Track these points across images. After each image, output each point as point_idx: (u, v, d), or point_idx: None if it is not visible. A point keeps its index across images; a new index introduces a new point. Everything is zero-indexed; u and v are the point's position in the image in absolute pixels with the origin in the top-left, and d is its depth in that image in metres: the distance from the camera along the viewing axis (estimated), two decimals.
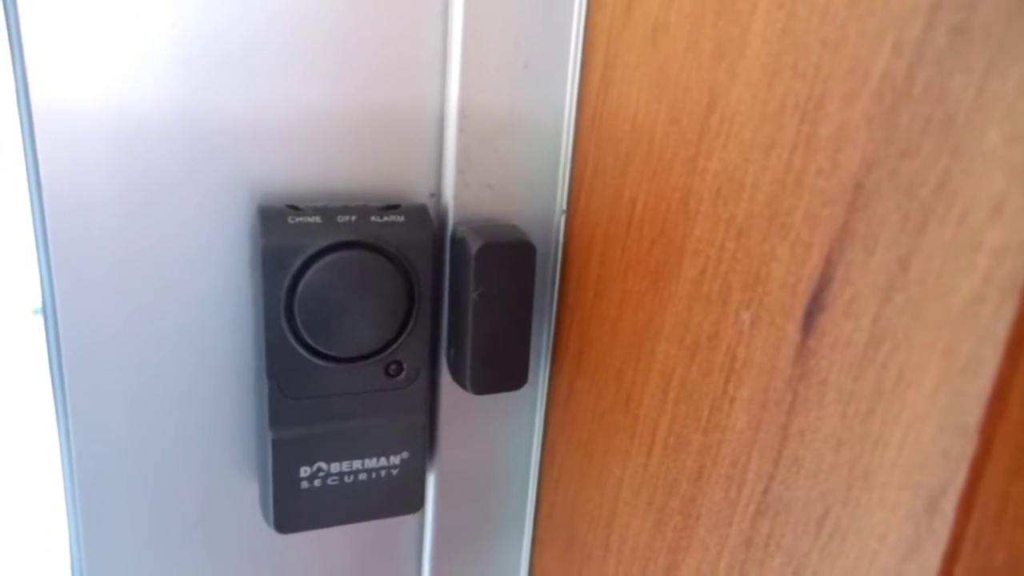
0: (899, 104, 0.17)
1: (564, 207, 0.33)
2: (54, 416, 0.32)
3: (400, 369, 0.33)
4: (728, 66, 0.22)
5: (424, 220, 0.32)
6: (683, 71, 0.25)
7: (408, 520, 0.38)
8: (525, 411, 0.37)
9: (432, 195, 0.34)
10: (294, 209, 0.30)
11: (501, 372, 0.33)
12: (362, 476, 0.33)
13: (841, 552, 0.20)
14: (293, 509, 0.32)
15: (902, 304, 0.17)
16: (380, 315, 0.31)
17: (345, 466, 0.33)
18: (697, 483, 0.25)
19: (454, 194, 0.33)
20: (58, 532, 0.33)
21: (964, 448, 0.16)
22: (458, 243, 0.32)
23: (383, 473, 0.33)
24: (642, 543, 0.28)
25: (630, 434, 0.29)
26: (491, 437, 0.37)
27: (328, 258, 0.30)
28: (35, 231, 0.30)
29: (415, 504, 0.35)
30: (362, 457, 0.33)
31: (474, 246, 0.31)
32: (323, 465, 0.32)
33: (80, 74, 0.27)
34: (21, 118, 0.29)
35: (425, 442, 0.35)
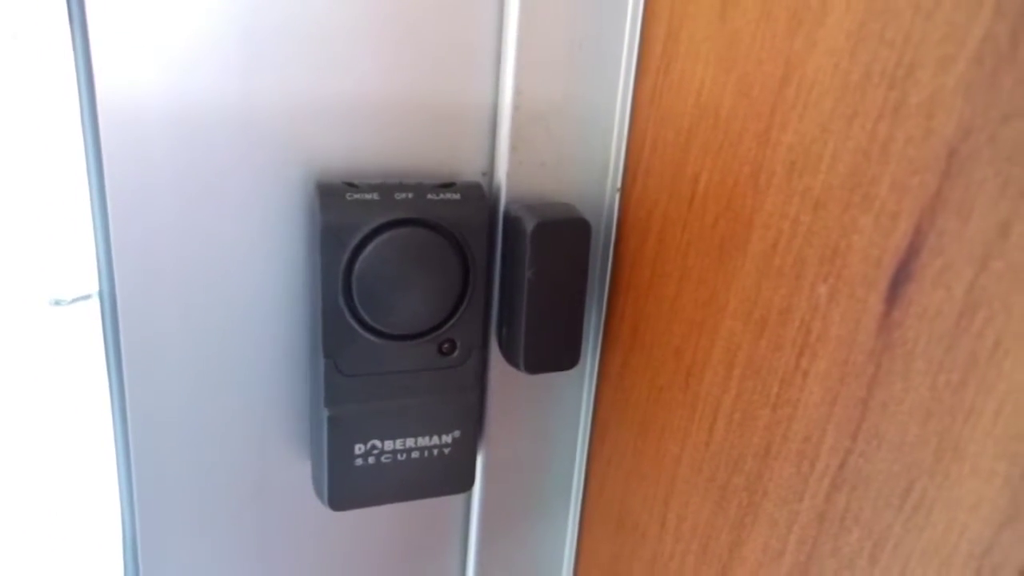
0: (1001, 68, 0.17)
1: (619, 185, 0.33)
2: (108, 396, 0.32)
3: (453, 347, 0.33)
4: (806, 35, 0.22)
5: (479, 198, 0.31)
6: (755, 42, 0.24)
7: (455, 499, 0.38)
8: (574, 390, 0.37)
9: (484, 174, 0.33)
10: (351, 186, 0.30)
11: (554, 351, 0.33)
12: (415, 454, 0.33)
13: (927, 524, 0.19)
14: (347, 486, 0.32)
15: (1001, 271, 0.17)
16: (435, 292, 0.31)
17: (399, 444, 0.33)
18: (765, 459, 0.25)
19: (507, 172, 0.32)
20: (110, 511, 0.34)
21: None
22: (512, 221, 0.32)
23: (435, 452, 0.33)
24: (703, 521, 0.28)
25: (690, 411, 0.29)
26: (540, 417, 0.37)
27: (386, 235, 0.30)
28: (93, 211, 0.30)
29: (466, 483, 0.35)
30: (415, 435, 0.33)
31: (530, 224, 0.31)
32: (377, 443, 0.32)
33: (140, 51, 0.27)
34: (82, 102, 0.29)
35: (477, 421, 0.35)
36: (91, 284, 0.31)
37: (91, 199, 0.30)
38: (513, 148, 0.32)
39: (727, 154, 0.26)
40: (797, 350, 0.23)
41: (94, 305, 0.32)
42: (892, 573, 0.20)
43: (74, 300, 0.33)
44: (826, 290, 0.22)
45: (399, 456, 0.33)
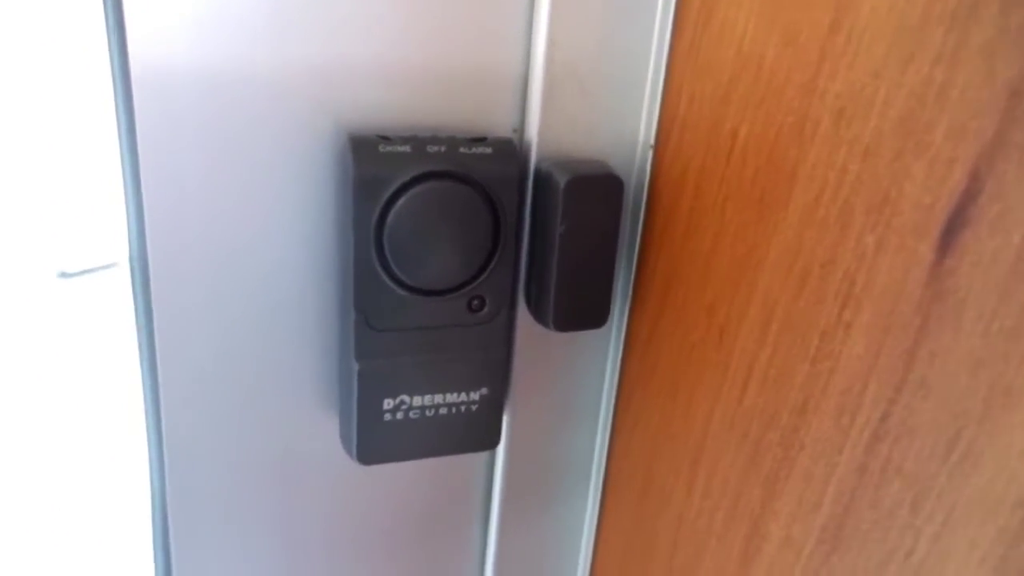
0: None
1: (652, 141, 0.33)
2: (137, 356, 0.32)
3: (483, 304, 0.32)
4: None
5: (511, 153, 0.31)
6: None
7: (479, 458, 0.38)
8: (600, 350, 0.37)
9: (515, 130, 0.33)
10: (384, 139, 0.30)
11: (583, 309, 0.33)
12: (442, 410, 0.33)
13: (974, 472, 0.19)
14: (375, 440, 0.32)
15: None
16: (466, 248, 0.31)
17: (427, 400, 0.33)
18: (802, 414, 0.25)
19: (539, 129, 0.32)
20: (138, 471, 0.34)
21: None
22: (543, 178, 0.32)
23: (463, 408, 0.34)
24: (734, 477, 0.28)
25: (722, 369, 0.29)
26: (567, 375, 0.37)
27: (419, 188, 0.29)
28: (124, 172, 0.30)
29: (492, 441, 0.35)
30: (443, 391, 0.33)
31: (561, 180, 0.31)
32: (406, 398, 0.32)
33: (172, 5, 0.27)
34: (112, 55, 0.28)
35: (504, 379, 0.35)
36: (116, 252, 0.31)
37: (122, 158, 0.30)
38: (545, 104, 0.32)
39: (770, 105, 0.25)
40: (840, 302, 0.23)
41: (122, 271, 0.32)
42: (935, 522, 0.20)
43: (101, 267, 0.33)
44: (873, 240, 0.22)
45: (427, 412, 0.33)
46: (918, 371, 0.21)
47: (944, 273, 0.20)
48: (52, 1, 0.28)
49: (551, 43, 0.31)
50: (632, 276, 0.35)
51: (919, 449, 0.21)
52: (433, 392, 0.33)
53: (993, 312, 0.19)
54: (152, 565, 0.35)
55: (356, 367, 0.31)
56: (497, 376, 0.34)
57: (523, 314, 0.35)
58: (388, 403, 0.32)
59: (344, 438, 0.34)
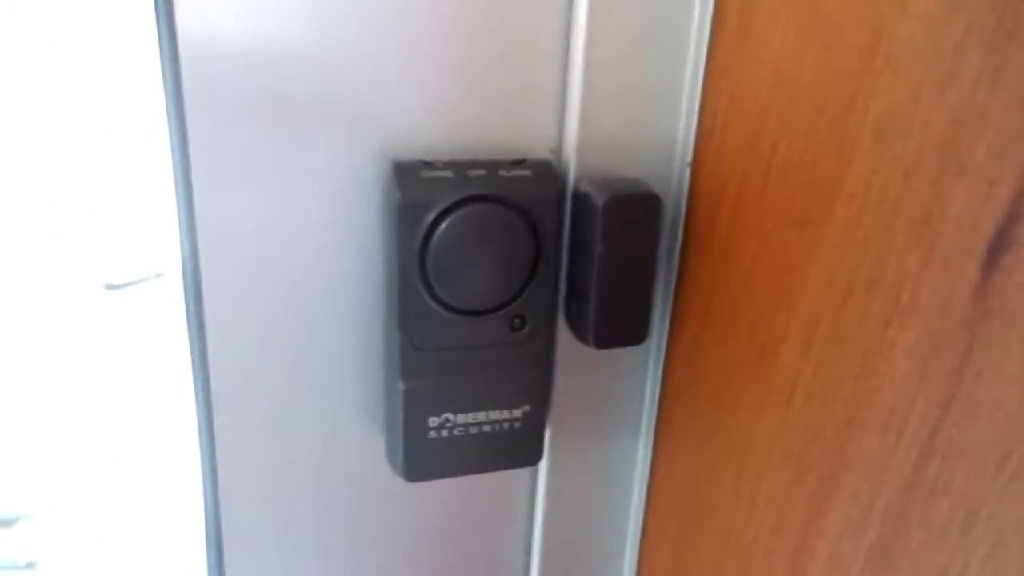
0: None
1: (690, 159, 0.33)
2: (190, 372, 0.33)
3: (524, 323, 0.33)
4: (895, 0, 0.22)
5: (550, 174, 0.32)
6: (838, 9, 0.24)
7: (522, 473, 0.39)
8: (641, 366, 0.37)
9: (552, 151, 0.34)
10: (426, 164, 0.30)
11: (623, 327, 0.33)
12: (486, 428, 0.34)
13: None
14: (421, 458, 0.33)
15: None
16: (508, 268, 0.32)
17: (471, 417, 0.33)
18: (847, 430, 0.25)
19: (576, 148, 0.33)
20: (191, 488, 0.35)
21: None
22: (582, 197, 0.32)
23: (505, 425, 0.34)
24: (779, 493, 0.28)
25: (765, 385, 0.29)
26: (607, 392, 0.37)
27: (460, 211, 0.30)
28: (177, 190, 0.31)
29: (534, 457, 0.36)
30: (487, 409, 0.34)
31: (600, 200, 0.31)
32: (450, 416, 0.33)
33: (222, 28, 0.28)
34: (164, 71, 0.30)
35: (546, 396, 0.35)
36: (161, 264, 0.33)
37: (175, 178, 0.31)
38: (583, 124, 0.32)
39: (808, 124, 0.26)
40: (884, 321, 0.23)
41: (167, 282, 0.33)
42: (986, 543, 0.20)
43: (147, 279, 0.34)
44: (916, 259, 0.22)
45: (471, 429, 0.34)
46: (966, 390, 0.21)
47: (990, 292, 0.20)
48: (105, 20, 0.29)
49: (587, 67, 0.31)
50: (671, 293, 0.35)
51: (968, 468, 0.21)
52: (476, 410, 0.33)
53: None
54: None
55: (401, 386, 0.32)
56: (539, 393, 0.34)
57: (564, 332, 0.35)
58: (433, 421, 0.33)
59: (390, 455, 0.34)
